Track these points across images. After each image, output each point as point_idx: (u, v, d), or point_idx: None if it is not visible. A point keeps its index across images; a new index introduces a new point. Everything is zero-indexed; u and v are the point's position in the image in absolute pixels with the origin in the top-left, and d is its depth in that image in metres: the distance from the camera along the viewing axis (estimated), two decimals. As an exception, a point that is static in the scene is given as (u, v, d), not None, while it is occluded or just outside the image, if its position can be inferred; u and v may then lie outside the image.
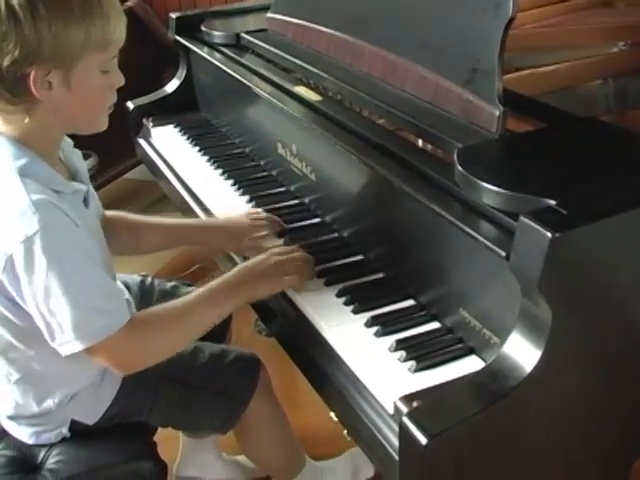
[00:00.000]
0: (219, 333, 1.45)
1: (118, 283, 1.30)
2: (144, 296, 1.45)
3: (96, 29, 1.01)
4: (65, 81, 1.02)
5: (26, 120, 1.05)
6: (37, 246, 0.99)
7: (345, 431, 1.59)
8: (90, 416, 1.26)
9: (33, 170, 1.04)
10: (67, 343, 1.04)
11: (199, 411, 1.33)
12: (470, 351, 1.05)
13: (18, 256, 1.00)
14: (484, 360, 1.03)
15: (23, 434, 1.25)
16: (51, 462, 1.24)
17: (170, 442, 1.56)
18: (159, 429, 1.38)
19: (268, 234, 1.38)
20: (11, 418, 1.25)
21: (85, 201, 1.17)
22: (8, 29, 0.97)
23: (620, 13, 1.76)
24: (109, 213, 1.37)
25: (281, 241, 1.36)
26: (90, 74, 1.04)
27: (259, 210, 1.45)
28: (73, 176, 1.19)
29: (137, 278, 1.49)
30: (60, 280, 1.00)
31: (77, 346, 1.04)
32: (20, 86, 1.00)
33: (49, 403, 1.21)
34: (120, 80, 1.10)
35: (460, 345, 1.06)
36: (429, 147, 1.22)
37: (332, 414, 1.66)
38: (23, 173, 1.03)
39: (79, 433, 1.26)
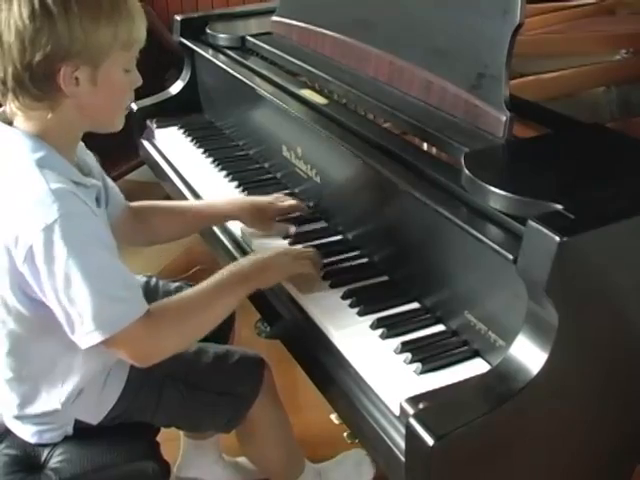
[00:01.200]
0: (223, 333, 1.46)
1: (135, 276, 1.30)
2: (149, 297, 1.43)
3: (123, 28, 1.04)
4: (92, 78, 1.04)
5: (49, 116, 1.06)
6: (57, 234, 1.00)
7: (345, 433, 1.60)
8: (94, 416, 1.26)
9: (51, 162, 1.06)
10: (87, 334, 1.04)
11: (203, 411, 1.33)
12: (475, 354, 1.06)
13: (38, 245, 1.00)
14: (489, 363, 1.03)
15: (26, 433, 1.25)
16: (54, 461, 1.24)
17: (171, 443, 1.56)
18: (162, 429, 1.38)
19: (295, 216, 1.43)
20: (16, 417, 1.25)
21: (97, 200, 1.18)
22: (42, 25, 0.99)
23: (622, 21, 1.78)
24: (135, 204, 1.39)
25: (286, 243, 1.37)
26: (115, 72, 1.07)
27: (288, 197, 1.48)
28: (86, 174, 1.19)
29: (142, 279, 1.50)
30: (80, 268, 1.00)
31: (97, 337, 1.03)
32: (48, 81, 1.02)
33: (55, 401, 1.21)
34: (138, 80, 1.13)
35: (465, 348, 1.07)
36: (435, 151, 1.23)
37: (332, 416, 1.67)
38: (41, 164, 1.04)
39: (82, 432, 1.26)
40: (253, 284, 1.18)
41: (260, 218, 1.42)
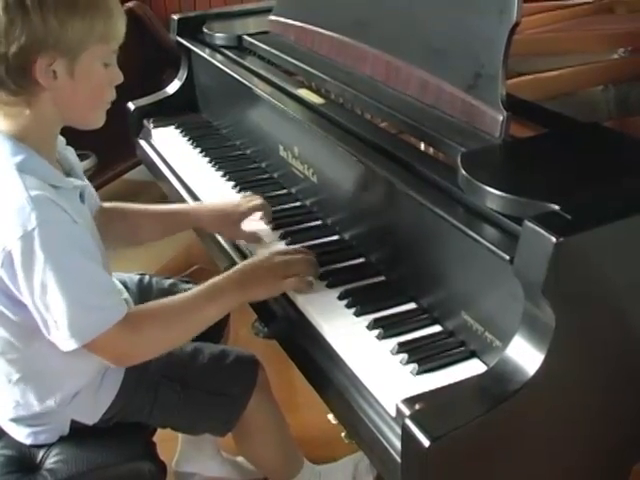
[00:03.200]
0: (216, 331, 1.46)
1: (115, 281, 1.30)
2: (142, 294, 1.45)
3: (100, 21, 1.04)
4: (69, 70, 1.04)
5: (27, 112, 1.06)
6: (35, 242, 1.00)
7: (343, 433, 1.60)
8: (90, 416, 1.26)
9: (31, 166, 1.06)
10: (64, 340, 1.05)
11: (198, 412, 1.33)
12: (472, 354, 1.05)
13: (16, 252, 1.01)
14: (486, 364, 1.03)
15: (21, 434, 1.25)
16: (50, 462, 1.24)
17: (168, 443, 1.55)
18: (158, 429, 1.38)
19: (264, 220, 1.41)
20: (11, 420, 1.25)
21: (81, 196, 1.18)
22: (16, 16, 0.99)
23: (621, 20, 1.77)
24: (106, 205, 1.38)
25: (283, 243, 1.37)
26: (93, 65, 1.07)
27: (256, 196, 1.45)
28: (68, 172, 1.19)
29: (135, 277, 1.50)
30: (57, 277, 1.01)
31: (73, 344, 1.05)
32: (25, 74, 1.02)
33: (50, 403, 1.21)
34: (119, 77, 1.12)
35: (462, 348, 1.06)
36: (431, 150, 1.22)
37: (329, 416, 1.67)
38: (21, 169, 1.04)
39: (78, 432, 1.26)
40: (241, 298, 1.18)
41: (226, 224, 1.40)
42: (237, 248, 1.44)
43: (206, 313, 1.15)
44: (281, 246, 1.35)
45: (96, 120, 1.13)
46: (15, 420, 1.24)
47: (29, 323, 1.08)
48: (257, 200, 1.42)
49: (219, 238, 1.49)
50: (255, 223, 1.42)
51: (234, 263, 1.39)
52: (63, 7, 1.01)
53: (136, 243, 1.50)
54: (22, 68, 1.01)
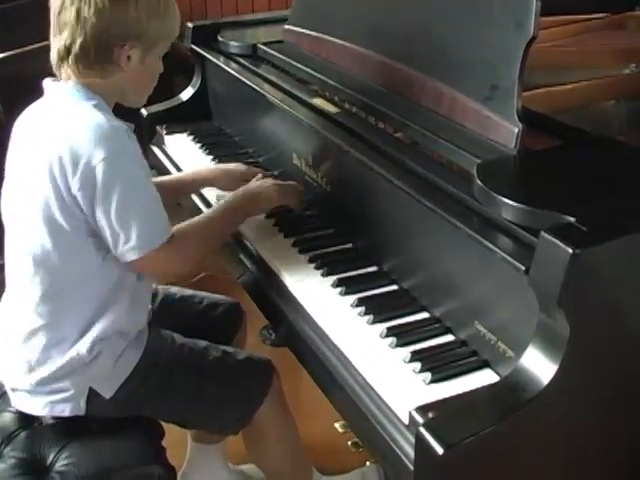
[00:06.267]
0: (226, 336, 1.52)
1: None
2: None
3: (170, 23, 1.25)
4: (142, 58, 1.23)
5: (99, 80, 1.23)
6: (118, 163, 1.16)
7: (350, 442, 1.60)
8: (108, 387, 1.27)
9: (104, 109, 1.22)
10: (129, 250, 1.18)
11: (212, 404, 1.34)
12: (484, 364, 1.06)
13: (99, 170, 1.14)
14: (498, 374, 1.03)
15: (37, 406, 1.26)
16: (60, 464, 1.25)
17: (177, 448, 1.55)
18: (167, 434, 1.38)
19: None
20: (28, 391, 1.26)
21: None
22: (118, 7, 1.17)
23: (632, 35, 1.79)
24: None
25: (296, 250, 1.37)
26: (156, 57, 1.27)
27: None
28: None
29: None
30: (135, 193, 1.18)
31: (135, 253, 1.19)
32: (107, 54, 1.20)
33: (72, 353, 1.23)
34: (162, 67, 1.31)
35: (475, 358, 1.07)
36: (446, 161, 1.23)
37: (337, 425, 1.67)
38: (98, 108, 1.20)
39: (88, 433, 1.27)
40: (248, 212, 1.41)
41: (231, 181, 1.56)
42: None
43: (224, 231, 1.38)
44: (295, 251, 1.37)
45: (142, 100, 1.34)
46: (31, 391, 1.26)
47: (78, 232, 1.19)
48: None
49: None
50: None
51: (246, 269, 1.42)
52: (150, 7, 1.20)
53: None
54: (110, 49, 1.19)
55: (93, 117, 1.18)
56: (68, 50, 1.19)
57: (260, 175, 1.53)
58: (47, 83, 1.25)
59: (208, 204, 1.61)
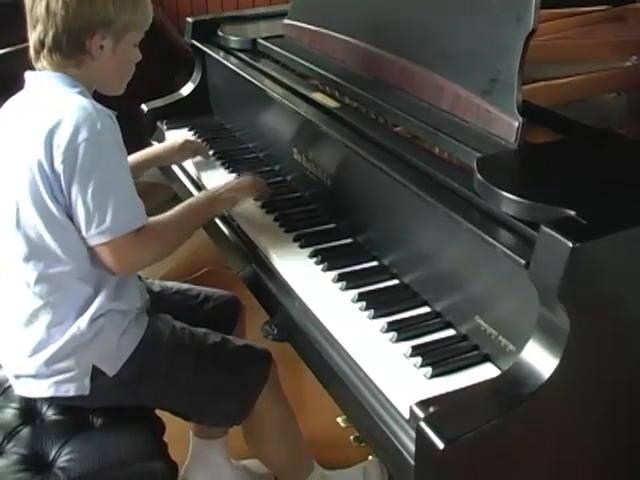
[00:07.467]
0: (226, 326, 1.53)
1: None
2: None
3: (142, 13, 1.30)
4: (113, 47, 1.28)
5: (75, 70, 1.28)
6: (99, 143, 1.19)
7: (352, 437, 1.60)
8: (111, 365, 1.28)
9: (87, 96, 1.27)
10: (98, 234, 1.20)
11: (213, 391, 1.36)
12: (485, 358, 1.06)
13: (81, 149, 1.17)
14: (499, 368, 1.03)
15: (41, 389, 1.28)
16: (62, 460, 1.25)
17: (179, 444, 1.56)
18: (169, 430, 1.38)
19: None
20: (31, 376, 1.27)
21: None
22: (86, 2, 1.22)
23: (633, 28, 1.78)
24: None
25: (297, 245, 1.38)
26: (129, 45, 1.31)
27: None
28: None
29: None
30: (113, 175, 1.21)
31: (105, 237, 1.21)
32: (80, 44, 1.25)
33: (74, 328, 1.24)
34: (139, 56, 1.35)
35: (475, 352, 1.07)
36: (446, 155, 1.23)
37: (339, 419, 1.67)
38: (83, 95, 1.25)
39: (90, 428, 1.28)
40: (210, 212, 1.46)
41: (175, 154, 1.71)
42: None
43: (188, 230, 1.39)
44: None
45: (120, 88, 1.36)
46: (36, 375, 1.27)
47: (64, 215, 1.21)
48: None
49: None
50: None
51: (247, 264, 1.42)
52: (122, 1, 1.24)
53: None
54: (81, 39, 1.24)
55: (79, 100, 1.22)
56: (42, 43, 1.24)
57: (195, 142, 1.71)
58: (29, 75, 1.29)
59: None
